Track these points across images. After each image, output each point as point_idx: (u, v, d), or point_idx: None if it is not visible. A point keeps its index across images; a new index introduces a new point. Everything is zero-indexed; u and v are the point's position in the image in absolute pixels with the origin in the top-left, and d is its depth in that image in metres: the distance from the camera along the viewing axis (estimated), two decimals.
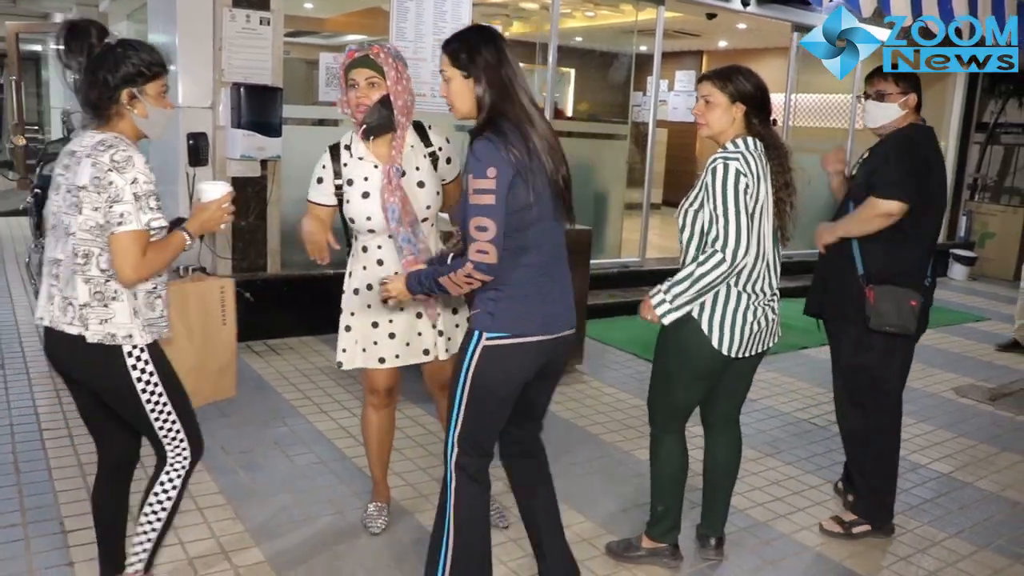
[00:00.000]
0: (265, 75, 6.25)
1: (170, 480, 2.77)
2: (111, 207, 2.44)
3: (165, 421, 2.70)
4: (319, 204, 3.39)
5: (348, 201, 3.31)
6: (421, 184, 3.32)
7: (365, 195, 3.27)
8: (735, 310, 3.12)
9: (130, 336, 2.56)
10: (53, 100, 16.44)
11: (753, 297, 3.15)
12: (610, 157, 8.76)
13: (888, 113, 3.73)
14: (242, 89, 6.07)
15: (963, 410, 5.78)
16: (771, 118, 3.25)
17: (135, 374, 2.60)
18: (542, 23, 10.31)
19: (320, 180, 3.36)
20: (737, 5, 8.64)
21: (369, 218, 3.25)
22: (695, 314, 3.14)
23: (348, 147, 3.34)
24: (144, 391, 2.63)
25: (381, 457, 3.67)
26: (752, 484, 4.33)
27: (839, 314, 3.78)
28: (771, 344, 3.31)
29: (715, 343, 3.13)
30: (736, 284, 3.12)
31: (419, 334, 3.41)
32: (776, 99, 11.44)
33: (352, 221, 3.33)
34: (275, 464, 4.22)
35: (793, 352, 7.00)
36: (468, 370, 2.75)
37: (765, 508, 4.09)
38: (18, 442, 4.33)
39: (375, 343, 3.40)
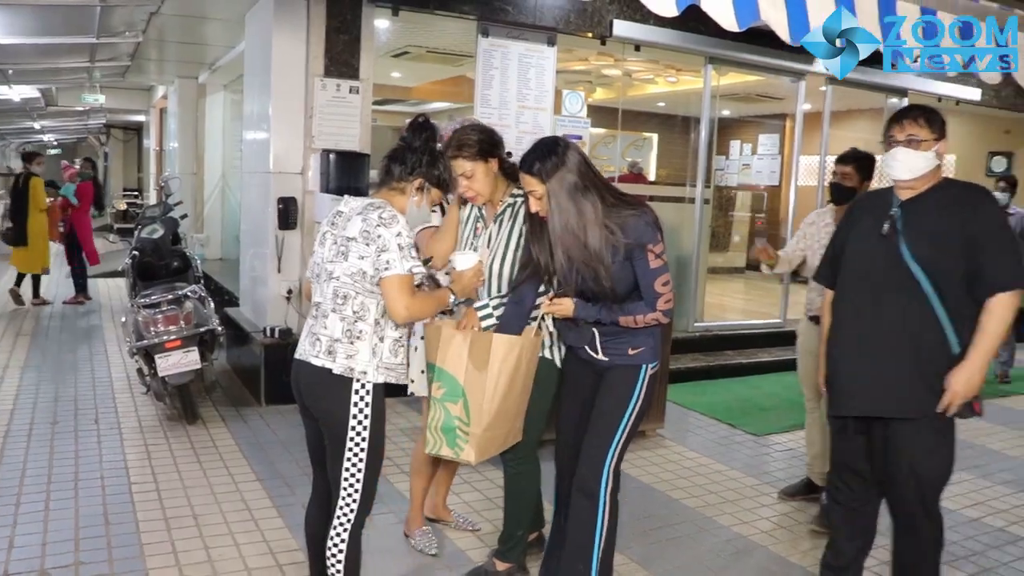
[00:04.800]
0: (353, 142, 6.45)
1: (338, 534, 2.92)
2: (379, 255, 2.79)
3: (352, 465, 2.89)
4: None
5: None
6: None
7: None
8: None
9: (365, 372, 2.86)
10: (151, 167, 17.15)
11: None
12: (692, 221, 8.65)
13: (922, 163, 3.08)
14: (331, 155, 6.26)
15: None
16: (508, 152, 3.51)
17: (354, 408, 2.86)
18: (624, 89, 10.43)
19: None
20: (820, 68, 8.59)
21: None
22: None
23: None
24: (353, 426, 2.86)
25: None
26: None
27: (917, 408, 3.06)
28: None
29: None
30: None
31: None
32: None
33: None
34: None
35: None
36: (637, 402, 3.14)
37: None
38: (108, 495, 4.45)
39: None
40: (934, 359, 3.02)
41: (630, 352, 3.15)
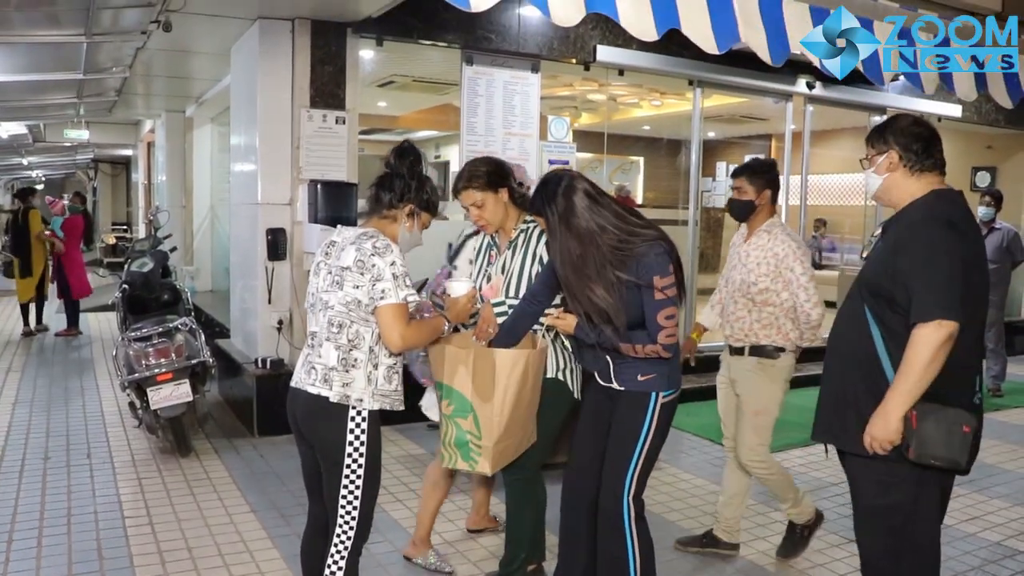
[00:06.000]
0: (341, 171, 6.48)
1: (335, 562, 2.92)
2: (374, 285, 2.82)
3: (349, 492, 2.90)
4: None
5: None
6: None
7: None
8: None
9: (361, 400, 2.88)
10: (140, 201, 17.16)
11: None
12: (684, 243, 8.69)
13: (872, 183, 2.92)
14: (319, 185, 6.29)
15: None
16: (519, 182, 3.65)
17: (350, 435, 2.87)
18: (609, 113, 10.50)
19: None
20: (803, 88, 8.68)
21: None
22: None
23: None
24: (350, 453, 2.87)
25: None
26: None
27: (857, 441, 2.79)
28: None
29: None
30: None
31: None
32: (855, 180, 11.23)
33: None
34: None
35: None
36: (649, 430, 3.13)
37: None
38: (102, 529, 4.44)
39: None
40: (872, 392, 2.78)
41: (640, 378, 3.15)
